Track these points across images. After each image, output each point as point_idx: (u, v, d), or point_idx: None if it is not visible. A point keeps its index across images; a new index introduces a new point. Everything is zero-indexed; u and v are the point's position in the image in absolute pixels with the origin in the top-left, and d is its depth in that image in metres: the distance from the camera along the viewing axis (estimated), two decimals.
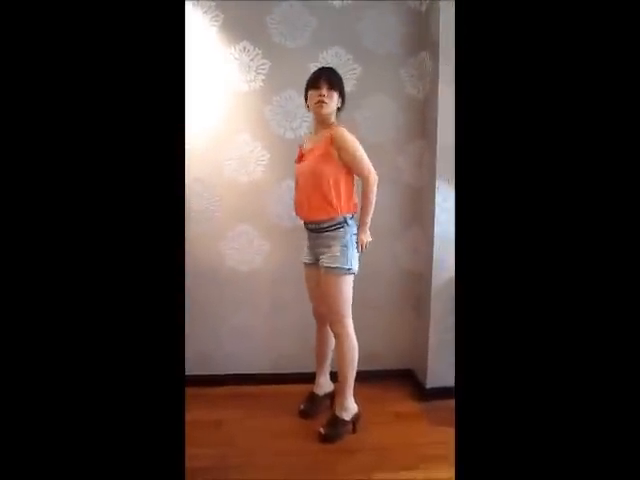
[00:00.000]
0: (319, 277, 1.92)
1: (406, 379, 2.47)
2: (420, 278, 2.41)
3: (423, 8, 2.26)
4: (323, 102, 1.76)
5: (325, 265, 1.86)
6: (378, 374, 2.48)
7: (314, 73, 1.83)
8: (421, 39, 2.28)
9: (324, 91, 1.76)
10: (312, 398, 2.15)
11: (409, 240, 2.44)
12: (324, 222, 1.85)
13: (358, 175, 1.86)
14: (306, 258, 1.99)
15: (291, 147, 2.15)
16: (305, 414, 2.09)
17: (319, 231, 1.87)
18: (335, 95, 1.79)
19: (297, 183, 1.93)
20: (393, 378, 2.47)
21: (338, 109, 1.86)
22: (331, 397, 2.17)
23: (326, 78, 1.77)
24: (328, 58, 2.24)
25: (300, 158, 1.90)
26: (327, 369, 2.17)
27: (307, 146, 1.89)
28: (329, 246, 1.85)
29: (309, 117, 2.14)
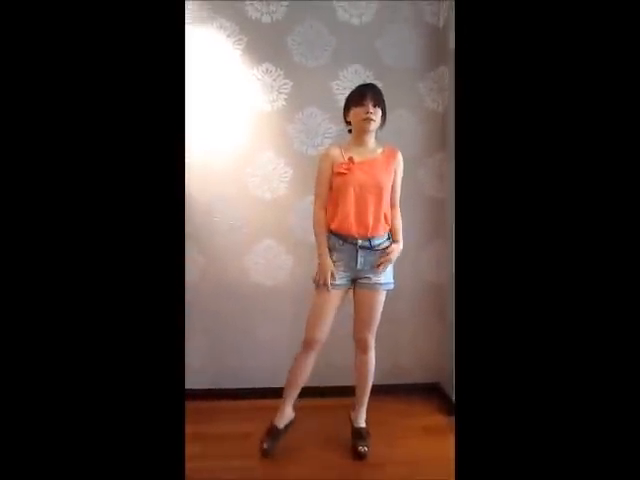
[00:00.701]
0: (360, 296, 1.87)
1: (433, 392, 2.45)
2: (443, 290, 2.41)
3: (441, 23, 2.31)
4: (371, 119, 1.77)
5: (381, 281, 1.84)
6: (404, 388, 2.47)
7: (358, 90, 1.82)
8: (439, 53, 2.32)
9: (371, 108, 1.76)
10: (275, 433, 1.89)
11: (432, 252, 2.45)
12: (380, 237, 1.83)
13: (394, 202, 1.90)
14: (339, 280, 1.81)
15: (313, 164, 2.16)
16: (267, 453, 1.85)
17: (373, 248, 1.81)
18: (380, 112, 1.80)
19: (347, 195, 1.77)
20: (420, 392, 2.45)
21: (380, 126, 1.86)
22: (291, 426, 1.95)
23: (372, 95, 1.78)
24: (348, 76, 2.29)
25: (349, 168, 1.77)
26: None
27: (357, 158, 1.79)
28: (383, 279, 1.85)
29: (331, 134, 2.20)
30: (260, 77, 2.28)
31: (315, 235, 1.87)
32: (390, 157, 1.85)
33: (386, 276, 1.86)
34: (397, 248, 1.87)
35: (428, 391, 2.46)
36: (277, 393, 2.39)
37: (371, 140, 1.85)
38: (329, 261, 1.82)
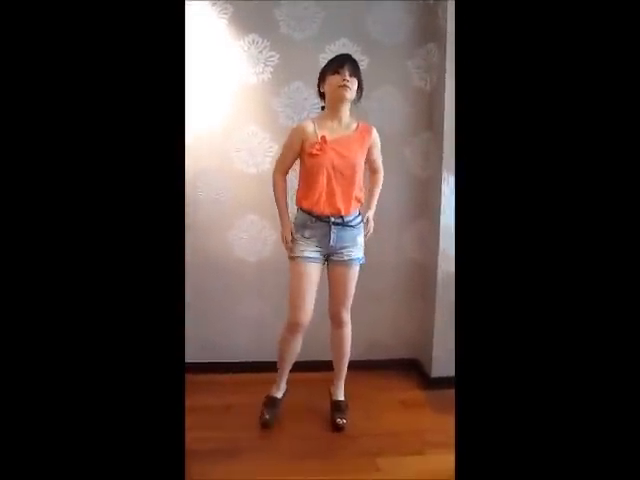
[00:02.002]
0: (334, 272, 1.90)
1: (411, 368, 2.50)
2: (426, 268, 2.44)
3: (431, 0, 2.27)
4: (347, 86, 1.72)
5: (353, 257, 1.87)
6: (384, 363, 2.52)
7: (335, 58, 1.79)
8: (429, 31, 2.29)
9: (347, 76, 1.72)
10: (275, 403, 2.00)
11: (415, 231, 2.47)
12: (351, 215, 1.85)
13: (375, 170, 1.99)
14: (312, 254, 1.83)
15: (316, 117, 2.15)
16: (269, 423, 1.93)
17: (346, 225, 1.83)
18: (356, 82, 1.76)
19: (318, 176, 1.76)
20: (399, 367, 2.51)
21: (356, 100, 1.83)
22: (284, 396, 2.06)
23: (349, 64, 1.74)
24: (335, 50, 2.25)
25: (322, 149, 1.75)
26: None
27: (330, 136, 1.77)
28: (354, 239, 1.87)
29: (317, 109, 2.16)
30: (246, 49, 2.23)
31: (276, 200, 1.91)
32: (365, 134, 1.84)
33: (358, 251, 1.89)
34: (371, 216, 1.95)
35: (407, 367, 2.51)
36: (259, 367, 2.43)
37: (346, 114, 1.81)
38: (288, 221, 1.88)
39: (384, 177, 2.05)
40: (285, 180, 1.91)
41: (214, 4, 2.19)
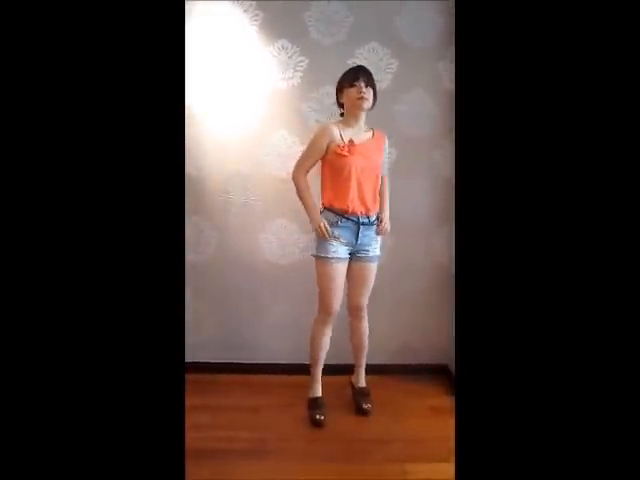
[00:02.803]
0: (357, 269, 2.02)
1: (441, 374, 2.47)
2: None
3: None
4: (364, 98, 1.85)
5: (377, 254, 2.02)
6: (413, 368, 2.49)
7: (350, 70, 1.90)
8: None
9: (363, 88, 1.84)
10: (320, 403, 2.08)
11: (445, 234, 2.43)
12: (374, 215, 1.99)
13: (383, 171, 2.06)
14: (340, 254, 1.93)
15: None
16: (322, 423, 1.99)
17: (370, 224, 1.96)
18: (372, 91, 1.88)
19: (349, 177, 1.87)
20: (429, 373, 2.47)
21: (372, 105, 1.94)
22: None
23: (363, 76, 1.86)
24: (365, 54, 2.26)
25: (351, 151, 1.85)
26: None
27: (355, 140, 1.88)
28: (376, 238, 2.01)
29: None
30: (276, 54, 2.26)
31: (301, 196, 1.97)
32: (380, 141, 2.00)
33: (378, 248, 2.04)
34: (387, 218, 2.05)
35: (436, 372, 2.48)
36: (289, 369, 2.46)
37: (363, 121, 1.95)
38: (318, 212, 1.96)
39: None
40: (306, 179, 1.98)
41: (245, 10, 2.23)
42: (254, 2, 2.22)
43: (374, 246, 2.01)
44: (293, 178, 1.99)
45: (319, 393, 2.11)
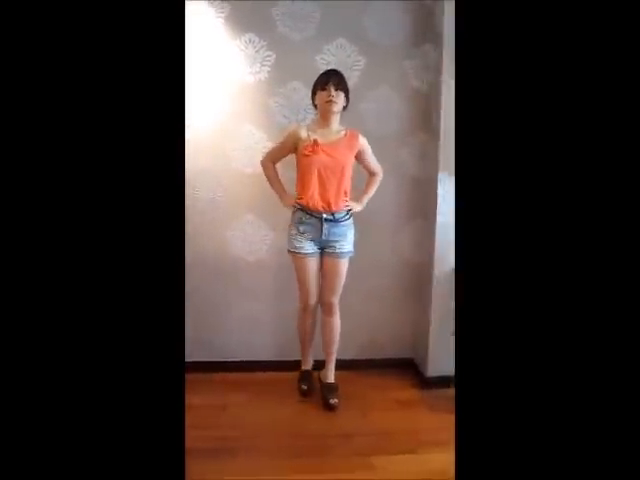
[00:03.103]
0: (326, 264, 2.10)
1: (407, 368, 2.52)
2: (422, 269, 2.45)
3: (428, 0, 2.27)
4: (333, 102, 1.95)
5: (344, 250, 2.08)
6: (380, 363, 2.53)
7: (323, 75, 2.00)
8: (426, 31, 2.29)
9: (333, 92, 1.94)
10: (307, 375, 2.31)
11: (412, 231, 2.48)
12: (341, 212, 2.05)
13: (373, 171, 2.16)
14: (307, 249, 2.06)
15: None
16: (307, 392, 2.22)
17: (337, 221, 2.04)
18: (342, 95, 1.99)
19: (311, 174, 1.98)
20: (395, 367, 2.52)
21: (343, 108, 2.04)
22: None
23: (334, 80, 1.96)
24: (333, 50, 2.26)
25: (314, 150, 1.96)
26: None
27: (321, 140, 1.98)
28: (345, 234, 2.07)
29: (312, 110, 2.16)
30: (243, 48, 2.23)
31: (268, 178, 2.12)
32: (352, 139, 2.05)
33: (348, 245, 2.10)
34: (356, 205, 2.12)
35: (402, 366, 2.52)
36: (258, 366, 2.45)
37: (335, 122, 2.04)
38: (286, 194, 2.10)
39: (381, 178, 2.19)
40: (274, 166, 2.11)
41: (211, 4, 2.18)
42: None
43: (342, 242, 2.06)
44: (261, 164, 2.13)
45: (307, 366, 2.33)
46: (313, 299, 2.16)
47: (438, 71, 2.18)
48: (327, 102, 1.95)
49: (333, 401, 2.11)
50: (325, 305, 2.18)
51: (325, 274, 2.12)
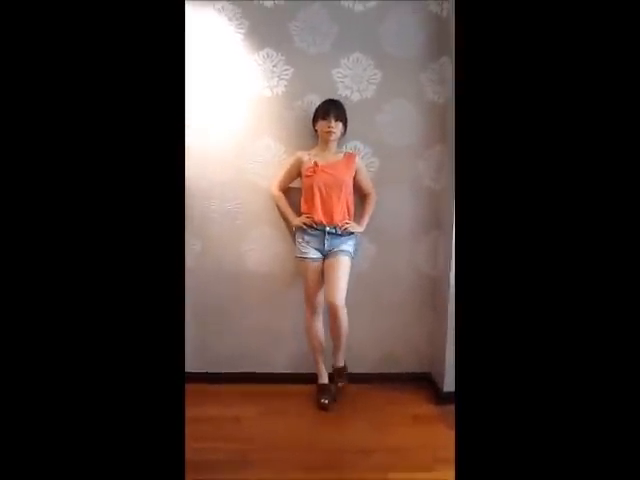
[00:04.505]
0: (325, 264, 2.23)
1: (424, 382, 2.48)
2: (438, 281, 2.42)
3: (444, 13, 2.28)
4: (332, 132, 2.16)
5: (343, 249, 2.22)
6: (396, 377, 2.50)
7: (323, 106, 2.19)
8: (442, 44, 2.30)
9: (332, 123, 2.15)
10: (325, 389, 2.31)
11: (428, 244, 2.46)
12: (342, 227, 2.22)
13: (365, 190, 2.31)
14: (311, 255, 2.23)
15: (312, 149, 2.24)
16: (327, 407, 2.22)
17: (337, 235, 2.22)
18: (340, 125, 2.19)
19: (314, 192, 2.20)
20: (411, 381, 2.48)
21: (342, 134, 2.25)
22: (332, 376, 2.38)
23: (334, 112, 2.16)
24: (349, 64, 2.28)
25: (315, 171, 2.18)
26: None
27: (321, 162, 2.20)
28: (345, 242, 2.24)
29: None
30: (261, 62, 2.26)
31: (278, 205, 2.33)
32: (349, 160, 2.26)
33: (348, 247, 2.24)
34: (355, 226, 2.27)
35: (419, 381, 2.49)
36: (269, 378, 2.44)
37: (333, 147, 2.26)
38: (294, 215, 2.29)
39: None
40: (283, 195, 2.30)
41: (230, 19, 2.23)
42: (240, 10, 2.23)
43: (342, 246, 2.22)
44: (272, 195, 2.33)
45: (324, 380, 2.34)
46: (318, 299, 2.27)
47: (453, 83, 2.18)
48: (326, 132, 2.16)
49: (340, 384, 2.30)
50: (330, 304, 2.18)
51: (327, 273, 2.21)
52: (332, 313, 2.19)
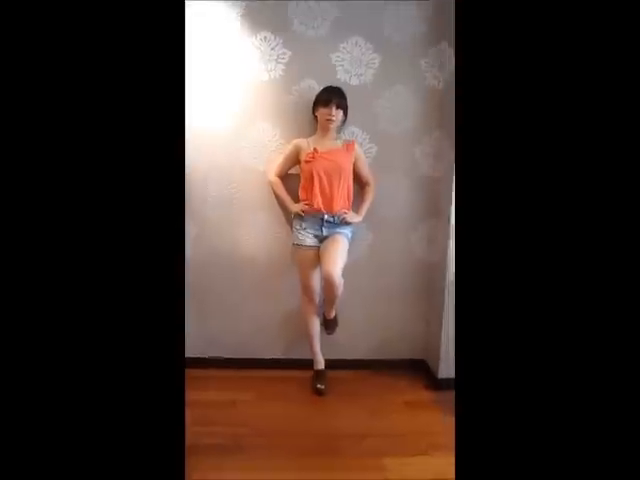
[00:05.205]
0: (324, 246, 2.20)
1: (419, 369, 2.49)
2: (435, 269, 2.42)
3: None
4: (332, 120, 2.13)
5: (340, 230, 2.22)
6: (391, 363, 2.51)
7: (324, 93, 2.15)
8: (441, 29, 2.27)
9: (333, 111, 2.12)
10: (321, 374, 2.33)
11: (425, 231, 2.45)
12: (340, 215, 2.20)
13: (364, 180, 2.30)
14: (308, 242, 2.22)
15: (309, 136, 2.22)
16: (322, 392, 2.24)
17: (334, 223, 2.21)
18: (341, 113, 2.17)
19: (314, 179, 2.16)
20: (406, 368, 2.50)
21: (342, 122, 2.25)
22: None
23: (336, 99, 2.14)
24: (348, 48, 2.25)
25: (314, 157, 2.15)
26: None
27: (321, 148, 2.16)
28: (343, 227, 2.24)
29: None
30: (258, 46, 2.23)
31: (275, 191, 2.31)
32: (349, 147, 2.22)
33: (346, 230, 2.24)
34: (354, 216, 2.25)
35: (414, 367, 2.50)
36: (265, 364, 2.45)
37: (333, 134, 2.23)
38: (292, 202, 2.27)
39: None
40: (280, 182, 2.28)
41: (227, 3, 2.18)
42: None
43: (339, 229, 2.22)
44: (269, 182, 2.31)
45: (320, 365, 2.35)
46: (314, 283, 2.26)
47: (454, 69, 2.16)
48: (327, 120, 2.14)
49: (330, 333, 2.38)
50: (326, 279, 2.13)
51: (323, 250, 2.19)
52: (329, 282, 2.13)
